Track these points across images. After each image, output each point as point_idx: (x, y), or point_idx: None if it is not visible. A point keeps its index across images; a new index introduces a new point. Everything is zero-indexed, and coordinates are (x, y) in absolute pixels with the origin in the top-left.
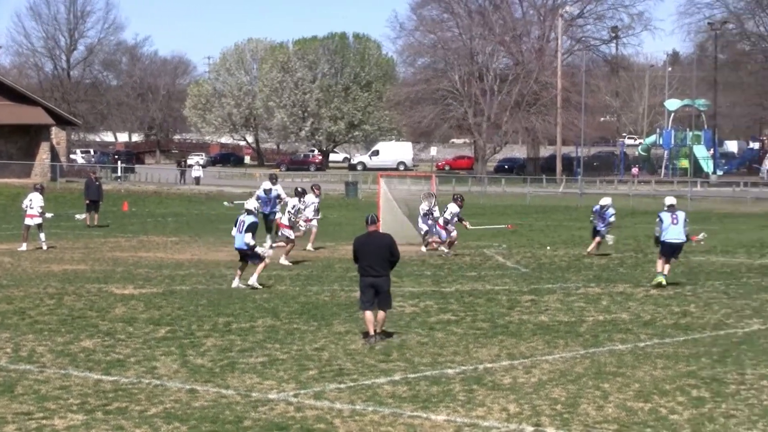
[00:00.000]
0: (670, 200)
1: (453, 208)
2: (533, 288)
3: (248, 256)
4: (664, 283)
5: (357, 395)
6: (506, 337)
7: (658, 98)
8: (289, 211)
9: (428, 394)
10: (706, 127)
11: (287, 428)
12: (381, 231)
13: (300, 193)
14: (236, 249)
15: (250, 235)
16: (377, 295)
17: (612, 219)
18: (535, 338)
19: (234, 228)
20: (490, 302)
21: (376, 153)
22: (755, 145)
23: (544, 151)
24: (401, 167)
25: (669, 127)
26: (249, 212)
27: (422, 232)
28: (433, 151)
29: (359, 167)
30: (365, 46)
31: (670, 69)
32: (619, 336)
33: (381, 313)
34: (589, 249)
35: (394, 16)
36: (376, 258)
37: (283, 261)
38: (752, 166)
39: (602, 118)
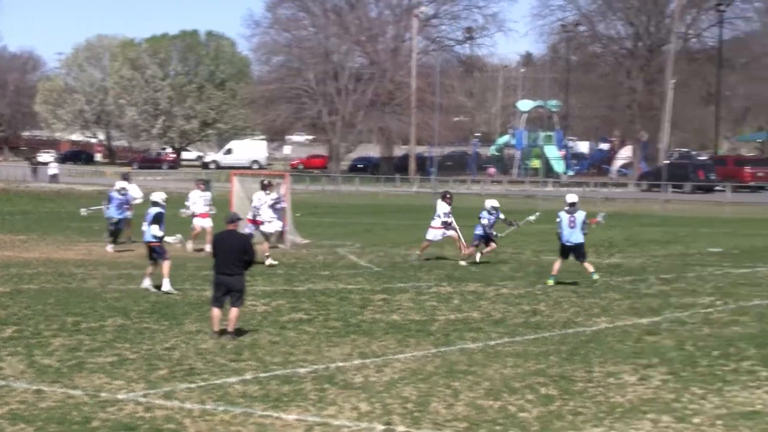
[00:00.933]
0: (571, 198)
1: (443, 207)
2: (386, 287)
3: (155, 251)
4: (551, 283)
5: (207, 395)
6: (358, 336)
7: (511, 99)
8: (254, 207)
9: (279, 394)
10: (557, 127)
11: (136, 428)
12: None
13: (266, 186)
14: (144, 242)
15: (156, 226)
16: (228, 294)
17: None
18: (387, 337)
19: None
20: (342, 301)
21: (230, 151)
22: (605, 146)
23: (399, 151)
24: (255, 166)
25: (521, 128)
26: (155, 203)
27: (271, 231)
28: (287, 149)
29: (212, 165)
30: (219, 44)
31: (523, 70)
32: (470, 335)
33: (233, 311)
34: (468, 252)
35: (249, 15)
36: (230, 256)
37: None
38: (602, 167)
39: (456, 118)
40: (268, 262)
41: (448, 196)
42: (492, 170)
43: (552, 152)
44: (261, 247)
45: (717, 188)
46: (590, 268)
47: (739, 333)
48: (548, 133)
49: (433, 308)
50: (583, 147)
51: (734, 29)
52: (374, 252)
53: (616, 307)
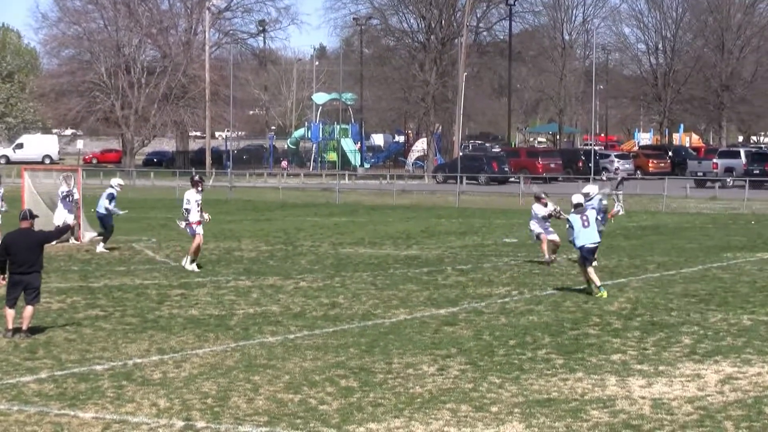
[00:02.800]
0: (576, 198)
1: (539, 209)
2: (183, 282)
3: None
4: (605, 295)
5: (1, 395)
6: (156, 331)
7: (306, 92)
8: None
9: (76, 392)
10: (353, 120)
11: None
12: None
13: (196, 182)
14: None
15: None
16: (24, 291)
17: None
18: (185, 332)
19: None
20: (139, 297)
21: (20, 146)
22: (401, 139)
23: (194, 144)
24: (47, 161)
25: (317, 121)
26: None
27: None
28: (80, 144)
29: (2, 161)
30: (5, 35)
31: (317, 63)
32: (269, 328)
33: (28, 309)
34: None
35: (36, 6)
36: (27, 255)
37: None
38: (398, 159)
39: (251, 112)
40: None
41: (543, 197)
42: (284, 163)
43: (348, 145)
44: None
45: (511, 179)
46: (593, 275)
47: (534, 322)
48: (344, 126)
49: (232, 302)
50: (378, 140)
51: (524, 23)
52: (171, 247)
53: (414, 299)
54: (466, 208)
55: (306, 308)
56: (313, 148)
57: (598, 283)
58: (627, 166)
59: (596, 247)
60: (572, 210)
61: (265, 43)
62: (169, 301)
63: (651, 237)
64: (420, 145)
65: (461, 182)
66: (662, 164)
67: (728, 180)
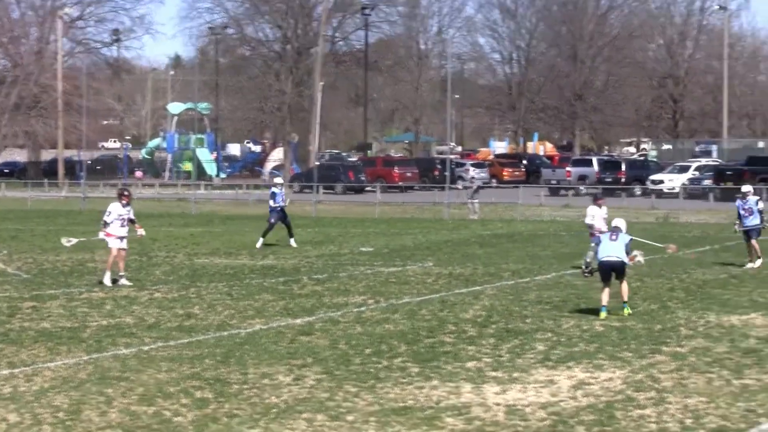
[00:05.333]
0: (617, 222)
1: (595, 211)
2: (35, 294)
3: None
4: (604, 316)
5: None
6: (6, 345)
7: (161, 102)
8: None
9: None
10: (209, 130)
11: None
12: None
13: (120, 195)
14: None
15: None
16: None
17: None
18: (36, 345)
19: None
20: None
21: None
22: (257, 148)
23: (47, 155)
24: None
25: (172, 131)
26: None
27: None
28: None
29: None
30: None
31: (172, 73)
32: (123, 340)
33: None
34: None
35: None
36: None
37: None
38: (254, 169)
39: (105, 122)
40: None
41: (599, 199)
42: (139, 173)
43: (204, 155)
44: None
45: (367, 189)
46: (605, 299)
47: (390, 330)
48: (200, 136)
49: (85, 314)
50: (234, 149)
51: (379, 32)
52: (22, 259)
53: (270, 309)
54: (323, 218)
55: (160, 319)
56: (169, 158)
57: (606, 302)
58: (482, 174)
59: (617, 264)
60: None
61: (119, 52)
62: (20, 313)
63: (506, 245)
64: (276, 155)
65: (318, 191)
66: (517, 173)
67: (581, 188)
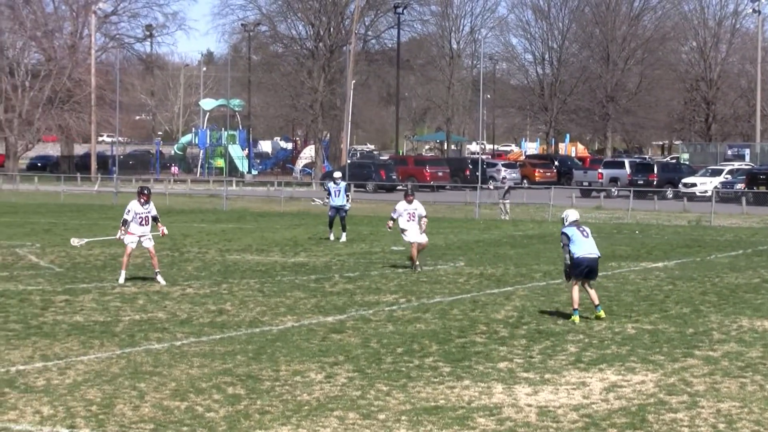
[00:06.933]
0: (573, 215)
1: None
2: (68, 288)
3: None
4: (577, 321)
5: None
6: (40, 338)
7: (193, 97)
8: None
9: None
10: (240, 127)
11: None
12: None
13: (139, 193)
14: None
15: None
16: None
17: None
18: (69, 339)
19: None
20: (22, 303)
21: None
22: (288, 146)
23: (79, 149)
24: None
25: (204, 127)
26: None
27: None
28: None
29: None
30: None
31: (204, 69)
32: (155, 335)
33: None
34: None
35: None
36: None
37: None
38: (286, 166)
39: (138, 117)
40: None
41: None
42: (174, 169)
43: (236, 151)
44: None
45: (398, 187)
46: (594, 297)
47: (422, 330)
48: (231, 133)
49: (118, 309)
50: (266, 146)
51: (412, 31)
52: (55, 252)
53: (302, 306)
54: (354, 216)
55: (193, 315)
56: (201, 154)
57: (575, 306)
58: (514, 175)
59: (595, 261)
60: (566, 224)
61: (152, 47)
62: (53, 307)
63: (537, 245)
64: (308, 152)
65: (349, 189)
66: (548, 174)
67: (613, 190)
